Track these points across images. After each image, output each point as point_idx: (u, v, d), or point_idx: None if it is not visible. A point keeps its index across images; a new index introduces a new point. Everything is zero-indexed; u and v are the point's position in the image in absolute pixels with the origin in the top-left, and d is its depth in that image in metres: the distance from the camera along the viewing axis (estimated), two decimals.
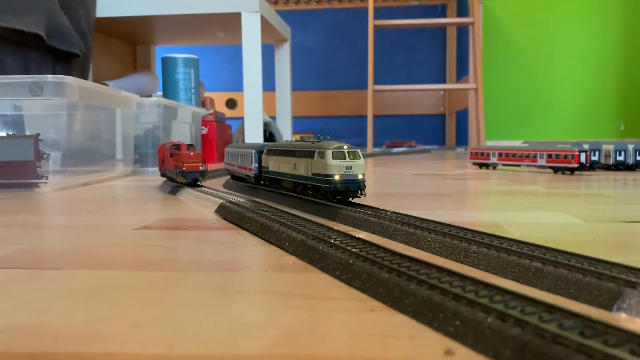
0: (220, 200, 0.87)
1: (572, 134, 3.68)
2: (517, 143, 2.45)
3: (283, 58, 3.09)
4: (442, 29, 4.62)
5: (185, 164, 1.12)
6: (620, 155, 1.99)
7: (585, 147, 1.90)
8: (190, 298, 0.43)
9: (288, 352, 0.32)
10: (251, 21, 2.40)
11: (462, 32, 4.32)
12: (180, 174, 1.13)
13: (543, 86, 3.93)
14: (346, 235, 0.56)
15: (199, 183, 1.16)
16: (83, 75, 2.25)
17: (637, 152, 1.99)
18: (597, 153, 1.98)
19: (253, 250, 0.60)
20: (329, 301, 0.41)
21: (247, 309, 0.40)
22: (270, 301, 0.42)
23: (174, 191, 1.19)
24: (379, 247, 0.50)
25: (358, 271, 0.45)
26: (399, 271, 0.41)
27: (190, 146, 1.19)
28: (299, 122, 4.52)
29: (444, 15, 4.49)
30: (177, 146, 1.21)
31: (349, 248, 0.49)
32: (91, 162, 1.62)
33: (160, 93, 2.65)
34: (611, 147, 2.00)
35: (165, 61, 2.60)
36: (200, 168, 1.14)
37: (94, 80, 2.57)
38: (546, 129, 3.89)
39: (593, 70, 3.79)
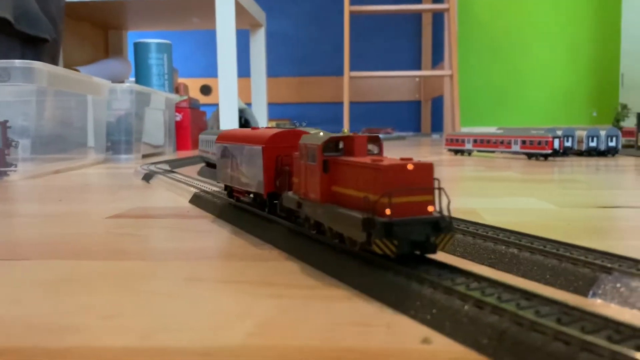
0: (194, 190, 0.86)
1: (545, 120, 3.72)
2: (492, 129, 2.48)
3: (258, 43, 3.06)
4: (418, 15, 4.62)
5: (392, 201, 0.39)
6: (592, 141, 2.02)
7: (559, 133, 1.92)
8: (165, 288, 0.42)
9: (264, 343, 0.31)
10: (225, 6, 2.37)
11: (438, 18, 4.33)
12: (382, 228, 0.38)
13: (517, 73, 3.96)
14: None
15: (427, 254, 0.40)
16: (53, 60, 2.20)
17: (609, 138, 2.02)
18: (570, 139, 2.01)
19: (229, 239, 0.60)
20: (306, 290, 0.41)
21: (223, 298, 0.40)
22: (247, 290, 0.41)
23: (147, 178, 1.17)
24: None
25: (334, 259, 0.44)
26: (375, 259, 0.41)
27: (373, 140, 0.48)
28: (274, 109, 4.49)
29: (419, 1, 4.49)
30: (336, 142, 0.47)
31: (325, 237, 0.49)
32: (62, 149, 1.58)
33: (133, 79, 2.60)
34: (584, 134, 2.02)
35: (137, 46, 2.55)
36: (431, 210, 0.40)
37: (65, 66, 2.51)
38: (520, 116, 3.93)
39: (566, 58, 3.83)
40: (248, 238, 0.59)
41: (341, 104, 3.40)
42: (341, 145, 0.47)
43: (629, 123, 2.73)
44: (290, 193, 0.53)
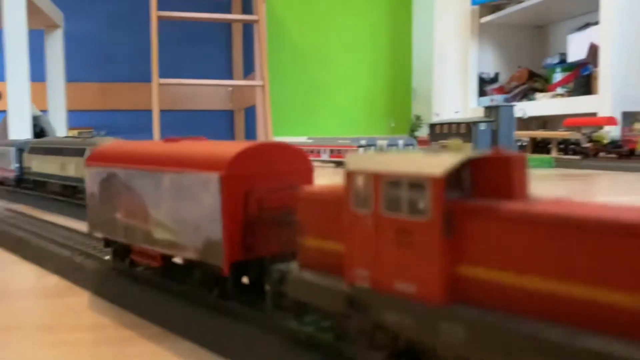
0: None
1: (350, 130, 3.94)
2: (303, 139, 2.55)
3: (55, 46, 2.80)
4: (229, 24, 4.62)
5: None
6: (392, 149, 2.17)
7: (363, 142, 2.03)
8: None
9: None
10: (14, 2, 2.13)
11: (248, 29, 4.36)
12: None
13: (324, 85, 4.16)
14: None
15: None
16: None
17: (406, 147, 2.19)
18: (373, 148, 2.13)
19: (4, 271, 0.51)
20: (95, 332, 0.35)
21: None
22: (19, 338, 0.34)
23: None
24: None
25: (135, 293, 0.39)
26: (182, 291, 0.37)
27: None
28: (76, 116, 4.15)
29: (229, 11, 4.49)
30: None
31: (126, 264, 0.43)
32: None
33: None
34: (385, 142, 2.17)
35: None
36: None
37: None
38: (328, 126, 4.12)
39: (366, 73, 4.13)
40: (30, 269, 0.50)
41: (150, 111, 3.25)
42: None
43: (422, 132, 3.01)
44: (307, 272, 0.27)
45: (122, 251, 0.42)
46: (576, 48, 2.54)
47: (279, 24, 4.08)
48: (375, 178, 0.24)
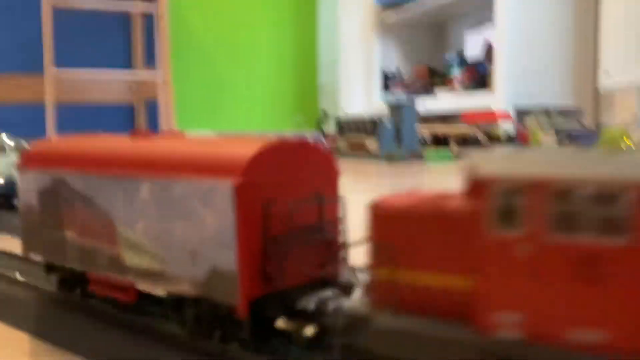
0: None
1: (258, 124, 3.93)
2: (208, 132, 2.50)
3: None
4: (129, 15, 4.44)
5: None
6: None
7: None
8: None
9: None
10: None
11: (150, 21, 4.23)
12: None
13: (230, 79, 4.12)
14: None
15: None
16: None
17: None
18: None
19: None
20: None
21: None
22: None
23: None
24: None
25: (52, 319, 0.36)
26: (108, 314, 0.34)
27: None
28: None
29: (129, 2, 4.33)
30: None
31: (38, 285, 0.40)
32: None
33: None
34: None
35: None
36: None
37: None
38: (236, 120, 4.10)
39: (273, 67, 4.14)
40: None
41: (42, 105, 3.06)
42: None
43: (329, 127, 3.06)
44: (404, 318, 0.20)
45: (71, 279, 0.33)
46: (473, 45, 2.66)
47: (182, 16, 3.98)
48: (535, 187, 0.17)
